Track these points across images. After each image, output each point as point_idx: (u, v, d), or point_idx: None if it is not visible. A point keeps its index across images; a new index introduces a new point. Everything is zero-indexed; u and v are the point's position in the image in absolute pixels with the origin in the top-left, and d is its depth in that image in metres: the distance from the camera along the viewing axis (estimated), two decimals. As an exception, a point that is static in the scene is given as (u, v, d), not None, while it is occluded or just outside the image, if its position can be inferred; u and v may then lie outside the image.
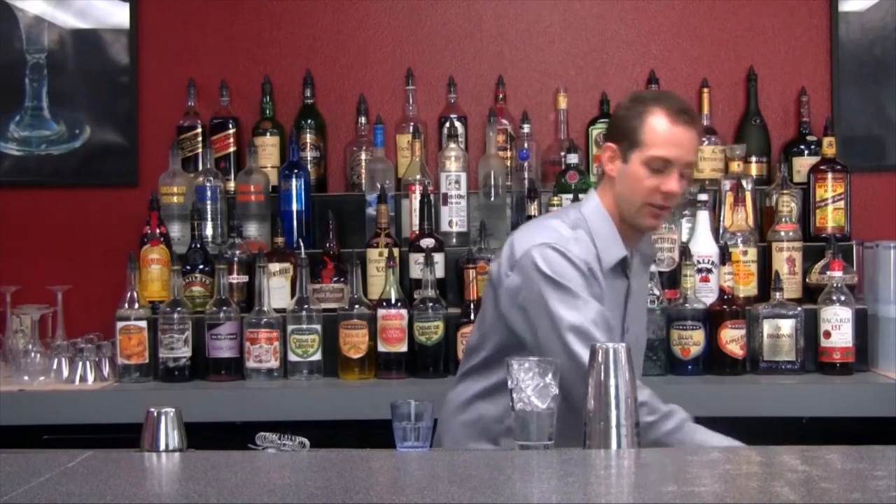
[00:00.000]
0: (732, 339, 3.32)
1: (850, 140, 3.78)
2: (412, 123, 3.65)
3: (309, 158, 3.71)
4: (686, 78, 3.84)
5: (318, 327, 3.35)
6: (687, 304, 3.34)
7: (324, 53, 3.88)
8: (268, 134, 3.73)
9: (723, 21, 3.86)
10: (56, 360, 3.35)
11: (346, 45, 3.89)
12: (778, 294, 3.34)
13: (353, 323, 3.33)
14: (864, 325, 3.39)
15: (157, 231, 3.45)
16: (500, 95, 3.75)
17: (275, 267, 3.43)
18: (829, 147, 3.56)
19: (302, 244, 3.49)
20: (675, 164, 2.39)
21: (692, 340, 3.32)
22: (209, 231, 3.58)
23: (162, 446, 2.04)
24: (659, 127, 2.39)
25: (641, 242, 2.58)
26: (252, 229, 3.59)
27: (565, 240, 2.41)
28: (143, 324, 3.34)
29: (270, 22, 3.89)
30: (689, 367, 3.32)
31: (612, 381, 2.02)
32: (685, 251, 3.40)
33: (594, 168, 3.66)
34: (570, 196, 3.46)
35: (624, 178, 2.44)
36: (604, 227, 2.48)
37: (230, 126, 3.75)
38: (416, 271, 3.42)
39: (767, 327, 3.33)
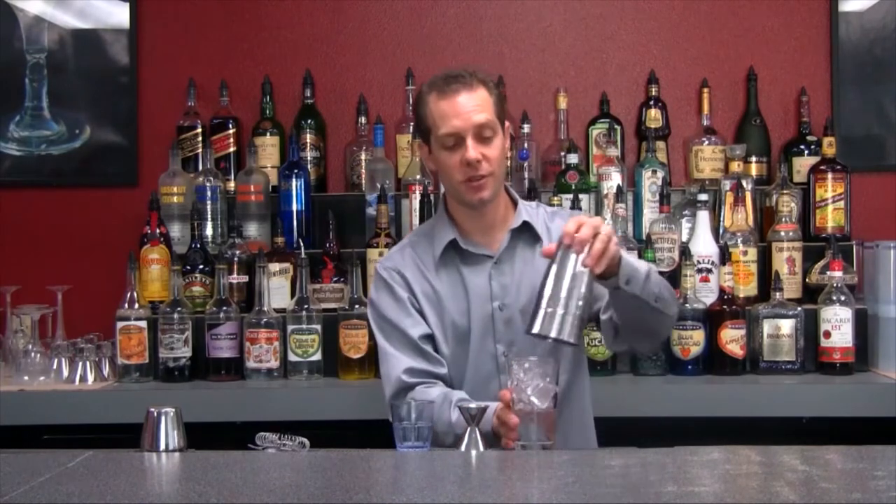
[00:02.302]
0: (732, 339, 3.32)
1: (850, 140, 3.77)
2: (412, 123, 3.65)
3: (309, 158, 3.71)
4: (686, 78, 3.84)
5: (318, 327, 3.35)
6: (687, 304, 3.34)
7: (324, 53, 3.88)
8: (268, 134, 3.73)
9: (723, 21, 3.86)
10: (56, 360, 3.35)
11: (346, 45, 3.89)
12: (778, 294, 3.34)
13: (353, 323, 3.33)
14: (864, 325, 3.39)
15: (157, 231, 3.45)
16: (501, 95, 3.75)
17: (275, 267, 3.43)
18: (829, 147, 3.56)
19: (302, 244, 3.49)
20: (465, 132, 2.38)
21: (692, 340, 3.32)
22: (209, 231, 3.58)
23: (162, 446, 2.04)
24: (434, 106, 2.41)
25: (516, 220, 2.50)
26: (252, 229, 3.59)
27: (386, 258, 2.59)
28: (143, 324, 3.34)
29: (270, 22, 3.89)
30: (689, 367, 3.32)
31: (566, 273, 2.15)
32: (685, 251, 3.39)
33: (594, 168, 3.66)
34: (570, 196, 3.46)
35: (437, 167, 2.48)
36: (428, 226, 2.58)
37: (230, 126, 3.75)
38: (416, 271, 3.41)
39: (767, 327, 3.33)
